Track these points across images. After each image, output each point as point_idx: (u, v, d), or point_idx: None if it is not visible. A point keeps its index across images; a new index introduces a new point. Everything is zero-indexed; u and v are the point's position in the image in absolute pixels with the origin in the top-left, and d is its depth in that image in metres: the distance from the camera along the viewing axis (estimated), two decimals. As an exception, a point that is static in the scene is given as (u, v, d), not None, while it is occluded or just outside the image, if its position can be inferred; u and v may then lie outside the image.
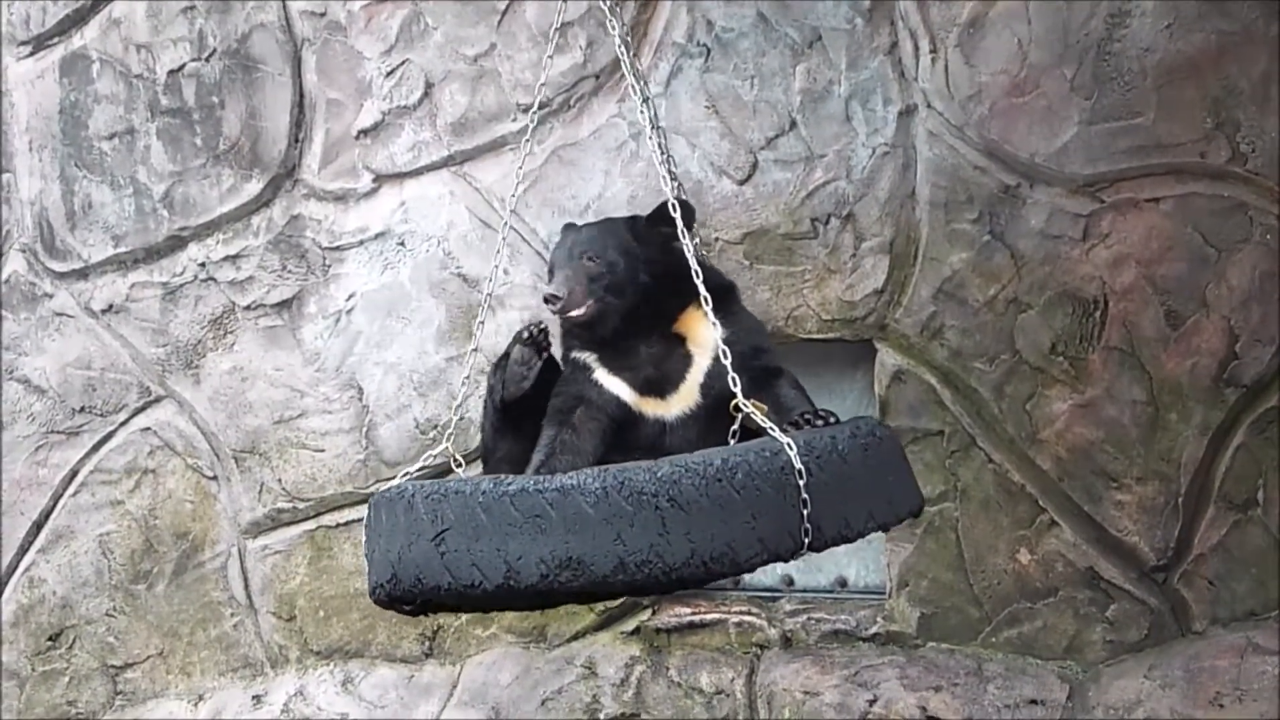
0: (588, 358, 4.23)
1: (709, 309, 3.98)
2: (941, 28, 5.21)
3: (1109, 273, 5.10)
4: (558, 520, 3.60)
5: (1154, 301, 5.06)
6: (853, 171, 5.31)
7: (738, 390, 3.89)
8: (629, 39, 4.54)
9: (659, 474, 3.60)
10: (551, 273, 4.26)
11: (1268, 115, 4.94)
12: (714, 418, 4.07)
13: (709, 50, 5.43)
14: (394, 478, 5.17)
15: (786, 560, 3.73)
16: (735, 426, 4.02)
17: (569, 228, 4.43)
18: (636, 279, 4.17)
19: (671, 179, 4.30)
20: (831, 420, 4.02)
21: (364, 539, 4.01)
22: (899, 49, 5.28)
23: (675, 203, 4.11)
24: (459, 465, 4.23)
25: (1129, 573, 5.14)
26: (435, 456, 4.26)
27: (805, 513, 3.66)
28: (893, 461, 4.06)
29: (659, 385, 4.19)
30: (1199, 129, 5.00)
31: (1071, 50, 5.10)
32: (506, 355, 4.33)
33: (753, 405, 3.89)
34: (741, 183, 5.42)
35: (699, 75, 5.45)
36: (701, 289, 4.01)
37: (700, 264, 4.06)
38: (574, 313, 4.12)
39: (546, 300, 4.10)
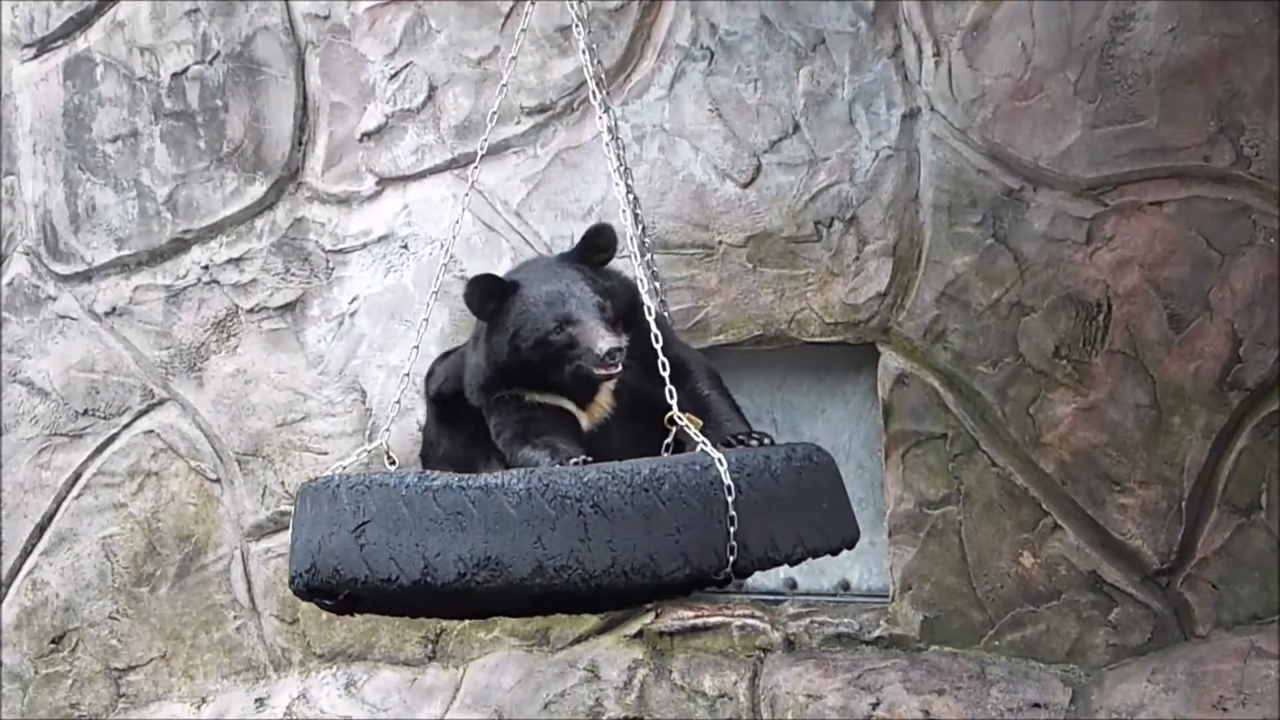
0: (516, 390, 4.12)
1: (653, 320, 3.93)
2: (945, 31, 5.21)
3: (1112, 276, 5.09)
4: (479, 519, 3.55)
5: (1157, 305, 5.06)
6: (856, 175, 5.31)
7: (674, 403, 3.83)
8: (594, 46, 4.52)
9: (585, 479, 3.55)
10: (567, 317, 4.00)
11: (1271, 119, 4.93)
12: (632, 422, 4.02)
13: (712, 53, 5.44)
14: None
15: (711, 579, 3.63)
16: (669, 440, 3.94)
17: (538, 279, 4.14)
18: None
19: (627, 190, 4.30)
20: (767, 441, 3.97)
21: (290, 530, 3.96)
22: (902, 52, 5.28)
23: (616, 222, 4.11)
24: (392, 462, 4.20)
25: (1132, 576, 5.13)
26: (370, 452, 4.26)
27: (731, 530, 3.60)
28: (829, 488, 4.00)
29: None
30: (1202, 132, 4.99)
31: (1075, 53, 5.09)
32: (454, 349, 4.33)
33: (687, 419, 3.83)
34: (745, 186, 5.42)
35: (702, 78, 5.45)
36: (647, 300, 3.98)
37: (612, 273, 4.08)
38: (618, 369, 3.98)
39: (610, 354, 3.90)
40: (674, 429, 3.85)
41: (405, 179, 5.84)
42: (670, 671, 5.50)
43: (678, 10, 5.47)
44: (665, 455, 3.90)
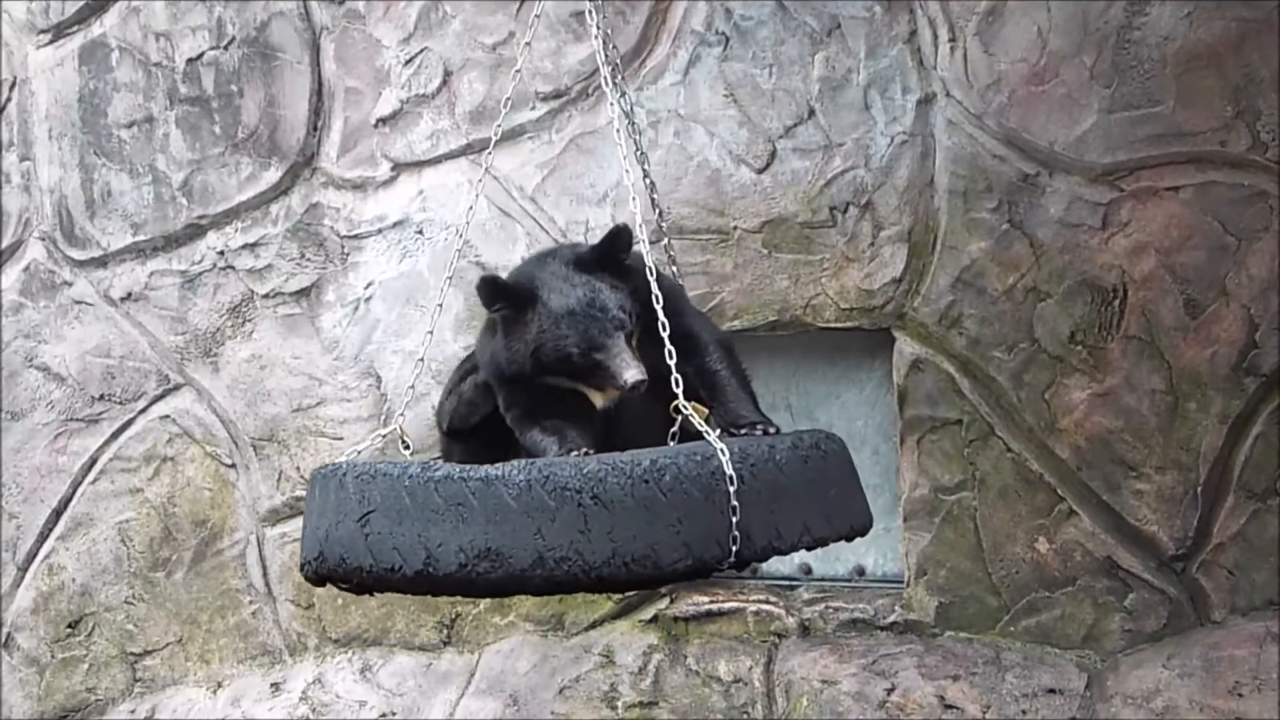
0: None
1: (663, 319, 3.90)
2: (960, 16, 5.20)
3: (1128, 261, 5.09)
4: (479, 510, 3.56)
5: (1173, 290, 5.05)
6: (871, 160, 5.30)
7: (679, 392, 3.82)
8: (608, 31, 4.50)
9: (585, 470, 3.54)
10: (592, 343, 3.95)
11: (1288, 103, 4.94)
12: (645, 399, 3.94)
13: (728, 39, 5.43)
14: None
15: (713, 569, 3.63)
16: (674, 429, 3.91)
17: (559, 289, 4.05)
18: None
19: (644, 177, 4.26)
20: (772, 430, 3.96)
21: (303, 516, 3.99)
22: (918, 37, 5.27)
23: (631, 224, 4.04)
24: (406, 447, 4.22)
25: (1148, 562, 5.13)
26: (384, 437, 4.27)
27: (734, 520, 3.59)
28: (838, 476, 3.98)
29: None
30: (1219, 117, 4.98)
31: (1091, 38, 5.08)
32: (458, 385, 4.31)
33: (692, 408, 3.82)
34: (760, 171, 5.42)
35: (717, 64, 5.45)
36: (654, 286, 3.94)
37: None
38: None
39: (633, 388, 3.88)
40: (679, 417, 3.84)
41: (420, 164, 5.84)
42: (685, 657, 5.51)
43: (693, -5, 5.48)
44: (670, 444, 3.88)
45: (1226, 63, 4.97)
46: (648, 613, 5.60)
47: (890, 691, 5.26)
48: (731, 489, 3.59)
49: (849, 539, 3.99)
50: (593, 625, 5.68)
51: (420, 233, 5.82)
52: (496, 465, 3.63)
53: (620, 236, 4.06)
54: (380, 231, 5.88)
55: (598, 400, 4.07)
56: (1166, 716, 4.98)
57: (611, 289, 4.01)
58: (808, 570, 5.60)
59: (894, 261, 5.29)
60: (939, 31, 5.24)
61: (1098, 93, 5.08)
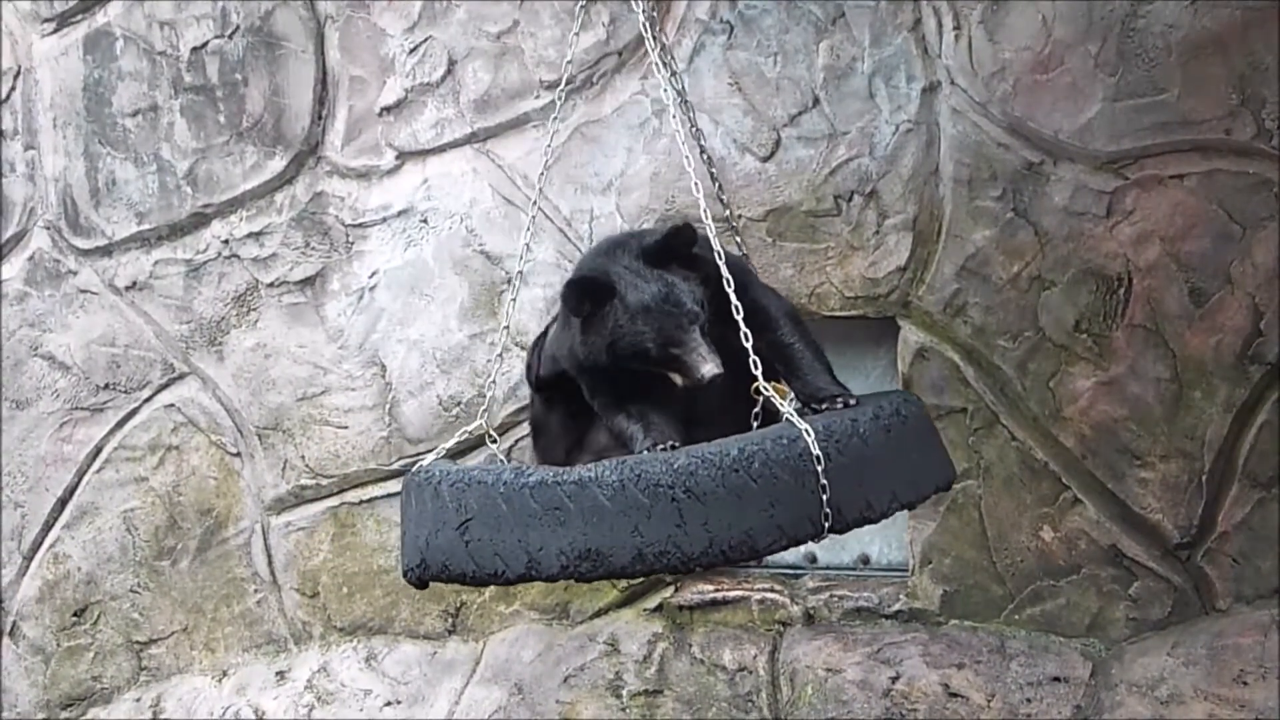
0: None
1: (732, 291, 3.93)
2: (965, 4, 5.20)
3: (1133, 250, 5.08)
4: (575, 512, 3.63)
5: (1178, 279, 5.05)
6: (876, 148, 5.30)
7: (758, 374, 3.86)
8: (655, 14, 4.52)
9: (675, 465, 3.62)
10: (669, 338, 3.96)
11: (1293, 91, 4.93)
12: (725, 376, 3.96)
13: (732, 27, 5.43)
14: (419, 455, 5.21)
15: (807, 542, 3.75)
16: (757, 409, 3.98)
17: (634, 283, 4.05)
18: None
19: (701, 152, 4.26)
20: (852, 402, 3.99)
21: (400, 519, 4.07)
22: (922, 25, 5.27)
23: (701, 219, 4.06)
24: (493, 440, 4.26)
25: (1152, 550, 5.13)
26: (470, 432, 4.30)
27: (825, 498, 3.65)
28: (919, 438, 4.03)
29: None
30: (1224, 105, 4.98)
31: (1095, 26, 5.08)
32: (544, 334, 4.33)
33: (773, 389, 3.87)
34: (764, 160, 5.41)
35: (722, 52, 5.44)
36: (725, 270, 3.97)
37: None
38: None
39: (710, 381, 3.89)
40: (760, 398, 3.89)
41: (425, 153, 5.84)
42: (690, 645, 5.51)
43: (697, -16, 5.47)
44: (753, 426, 3.97)
45: (1231, 50, 4.96)
46: (652, 601, 5.61)
47: (895, 680, 5.27)
48: (819, 469, 3.65)
49: (929, 497, 4.09)
50: (597, 614, 5.68)
51: (425, 221, 5.82)
52: (589, 466, 3.70)
53: (681, 234, 4.06)
54: (385, 220, 5.88)
55: (677, 379, 4.07)
56: (1171, 705, 4.99)
57: (684, 280, 4.02)
58: (812, 559, 5.60)
59: (899, 250, 5.29)
60: (943, 20, 5.24)
61: (1102, 81, 5.08)
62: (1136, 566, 5.14)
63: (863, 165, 5.31)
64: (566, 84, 4.74)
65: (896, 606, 5.38)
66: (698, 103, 5.42)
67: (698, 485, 3.59)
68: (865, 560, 5.57)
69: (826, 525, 3.66)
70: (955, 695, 5.20)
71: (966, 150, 5.22)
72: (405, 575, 4.00)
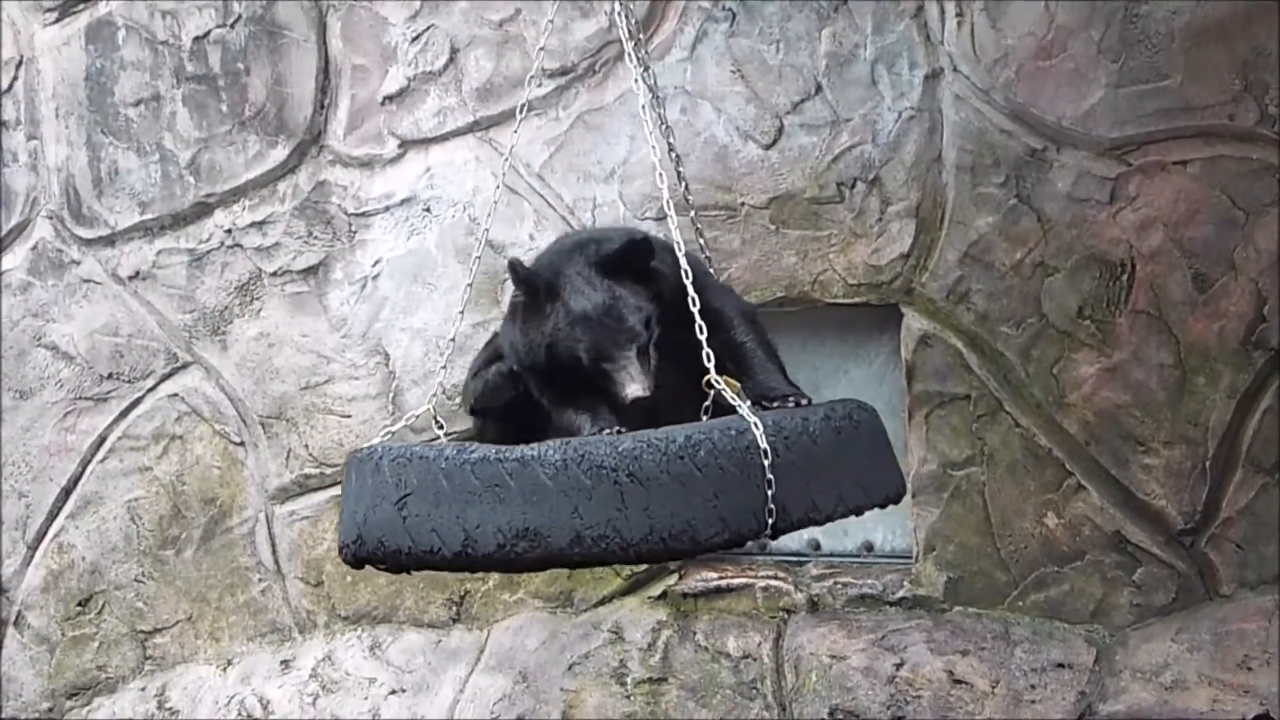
0: None
1: (690, 285, 3.90)
2: (968, -9, 5.21)
3: (1136, 236, 5.08)
4: (516, 490, 3.58)
5: (1181, 265, 5.05)
6: (879, 136, 5.30)
7: (710, 367, 3.83)
8: (631, 8, 4.50)
9: (620, 448, 3.56)
10: (602, 353, 3.93)
11: (1296, 77, 4.93)
12: (675, 373, 3.95)
13: (734, 14, 5.42)
14: (422, 444, 5.19)
15: (749, 540, 3.67)
16: (707, 403, 3.89)
17: (579, 290, 4.02)
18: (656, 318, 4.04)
19: (670, 150, 4.24)
20: (804, 402, 3.98)
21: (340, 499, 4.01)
22: (925, 12, 5.26)
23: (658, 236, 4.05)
24: (440, 426, 4.22)
25: (1156, 536, 5.13)
26: (417, 415, 4.28)
27: (770, 493, 3.61)
28: (870, 445, 4.00)
29: None
30: (1227, 91, 4.97)
31: (1098, 13, 5.08)
32: (483, 368, 4.32)
33: (724, 382, 3.83)
34: (767, 147, 5.41)
35: (724, 39, 5.44)
36: (683, 261, 3.95)
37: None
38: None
39: (633, 402, 3.87)
40: (712, 391, 3.84)
41: (427, 142, 5.84)
42: (694, 633, 5.52)
43: (700, -29, 5.47)
44: (704, 419, 3.88)
45: (1234, 36, 4.96)
46: (656, 589, 5.61)
47: (899, 667, 5.27)
48: (766, 462, 3.61)
49: (883, 506, 4.02)
50: (602, 602, 5.68)
51: (428, 210, 5.82)
52: (532, 445, 3.65)
53: (638, 248, 4.04)
54: (388, 209, 5.88)
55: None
56: (1175, 690, 4.99)
57: (633, 296, 3.98)
58: (816, 546, 5.60)
59: (902, 237, 5.29)
60: (946, 6, 5.23)
61: (1105, 67, 5.07)
62: (1140, 552, 5.14)
63: (865, 152, 5.31)
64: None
65: (900, 593, 5.39)
66: (700, 90, 5.43)
67: (641, 469, 3.53)
68: (869, 547, 5.58)
69: (770, 521, 3.62)
70: (959, 682, 5.20)
71: (969, 137, 5.21)
72: (341, 552, 3.93)
